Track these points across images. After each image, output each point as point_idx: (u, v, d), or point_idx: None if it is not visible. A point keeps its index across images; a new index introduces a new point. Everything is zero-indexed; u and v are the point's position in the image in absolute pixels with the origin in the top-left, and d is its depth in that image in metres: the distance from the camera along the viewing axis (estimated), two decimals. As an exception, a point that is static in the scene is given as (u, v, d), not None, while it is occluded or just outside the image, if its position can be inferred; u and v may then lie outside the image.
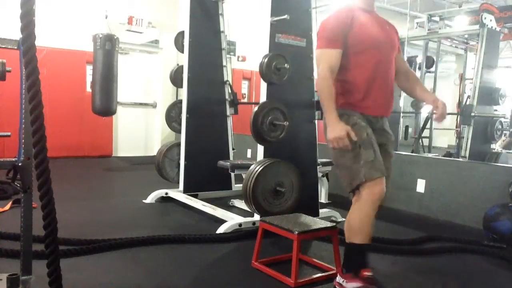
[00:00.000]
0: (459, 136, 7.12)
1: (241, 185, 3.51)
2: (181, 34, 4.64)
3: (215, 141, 4.63)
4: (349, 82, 2.14)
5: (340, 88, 2.16)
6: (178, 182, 4.55)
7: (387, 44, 2.19)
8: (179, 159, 4.57)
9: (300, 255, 2.52)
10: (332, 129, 1.98)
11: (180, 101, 4.60)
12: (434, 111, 2.17)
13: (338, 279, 2.24)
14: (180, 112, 4.56)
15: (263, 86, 3.55)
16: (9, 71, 2.12)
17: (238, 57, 8.62)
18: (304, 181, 3.51)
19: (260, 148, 3.55)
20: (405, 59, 7.36)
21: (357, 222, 2.03)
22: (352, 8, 2.18)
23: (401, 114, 7.46)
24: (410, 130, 8.12)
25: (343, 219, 3.18)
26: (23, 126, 1.75)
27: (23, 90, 1.71)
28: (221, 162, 4.15)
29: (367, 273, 2.06)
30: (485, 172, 3.94)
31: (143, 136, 8.29)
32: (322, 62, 2.07)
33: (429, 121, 7.88)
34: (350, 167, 2.06)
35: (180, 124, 4.57)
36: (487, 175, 3.89)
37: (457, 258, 3.10)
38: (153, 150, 7.76)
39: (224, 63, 4.68)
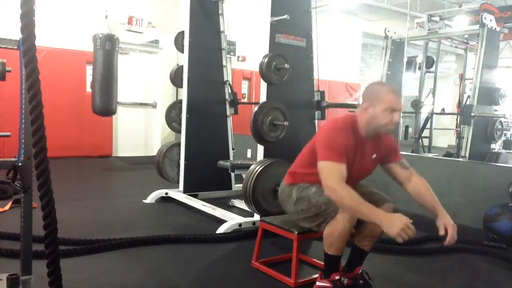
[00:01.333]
0: (459, 136, 7.13)
1: (241, 185, 3.51)
2: (181, 34, 4.64)
3: (215, 141, 4.63)
4: (310, 173, 2.16)
5: (297, 170, 2.28)
6: (178, 182, 4.55)
7: (360, 175, 2.23)
8: (179, 159, 4.57)
9: (300, 255, 2.52)
10: (390, 223, 1.81)
11: (180, 101, 4.60)
12: (443, 234, 2.02)
13: (318, 283, 2.27)
14: (180, 112, 4.56)
15: (263, 86, 3.55)
16: (9, 71, 2.12)
17: (238, 57, 8.62)
18: (304, 181, 3.50)
19: (260, 148, 3.55)
20: (405, 59, 7.38)
21: (332, 238, 2.09)
22: (353, 131, 2.11)
23: (401, 114, 7.45)
24: (410, 130, 8.13)
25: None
26: (23, 126, 1.75)
27: (23, 90, 1.71)
28: (221, 162, 4.15)
29: (336, 276, 2.18)
30: (485, 172, 3.94)
31: (143, 136, 8.29)
32: (334, 176, 1.95)
33: (429, 121, 7.89)
34: (318, 218, 2.15)
35: (180, 124, 4.58)
36: (487, 175, 3.89)
37: (457, 258, 3.10)
38: (153, 150, 7.76)
39: (224, 63, 4.68)
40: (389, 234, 1.81)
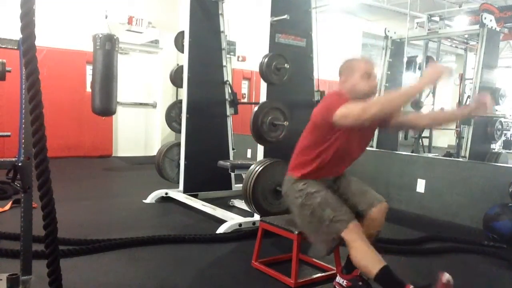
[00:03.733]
0: (459, 136, 7.12)
1: (241, 185, 3.51)
2: (181, 34, 4.63)
3: (215, 141, 4.63)
4: (310, 157, 2.21)
5: (300, 159, 2.27)
6: (178, 182, 4.55)
7: (360, 144, 2.25)
8: (179, 159, 4.57)
9: (300, 255, 2.52)
10: (428, 78, 1.91)
11: (180, 101, 4.60)
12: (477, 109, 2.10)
13: (338, 279, 2.28)
14: (180, 112, 4.56)
15: (263, 86, 3.55)
16: (9, 71, 2.12)
17: (238, 57, 8.62)
18: (304, 181, 3.50)
19: (260, 148, 3.55)
20: (405, 59, 7.38)
21: (363, 260, 2.00)
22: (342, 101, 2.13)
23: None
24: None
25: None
26: (23, 126, 1.76)
27: (23, 90, 1.71)
28: (221, 162, 4.15)
29: (357, 272, 2.20)
30: (485, 172, 3.94)
31: (143, 136, 8.29)
32: (355, 106, 1.98)
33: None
34: (320, 233, 2.14)
35: (180, 124, 4.57)
36: (487, 175, 3.89)
37: (457, 258, 3.10)
38: (153, 150, 7.76)
39: (224, 63, 4.68)
40: (436, 81, 1.89)
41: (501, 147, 7.59)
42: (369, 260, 1.97)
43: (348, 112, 1.98)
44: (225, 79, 4.69)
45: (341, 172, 2.34)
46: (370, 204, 2.18)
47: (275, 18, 3.45)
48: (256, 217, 3.46)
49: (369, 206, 2.17)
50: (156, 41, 8.05)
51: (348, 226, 2.02)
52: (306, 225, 2.23)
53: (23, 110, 1.76)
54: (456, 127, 7.55)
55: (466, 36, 7.87)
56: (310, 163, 2.22)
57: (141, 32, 7.64)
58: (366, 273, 2.02)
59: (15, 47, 1.96)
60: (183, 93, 4.46)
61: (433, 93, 8.07)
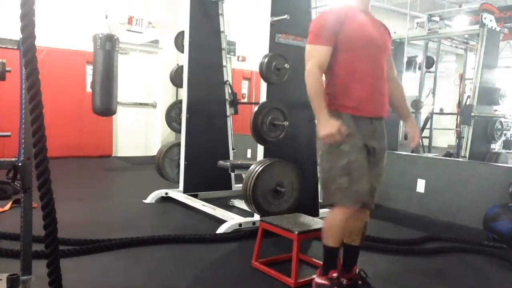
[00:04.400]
0: (459, 136, 7.12)
1: (241, 185, 3.51)
2: (181, 34, 4.63)
3: (215, 141, 4.63)
4: (337, 82, 2.11)
5: (326, 88, 2.13)
6: (178, 182, 4.55)
7: (380, 45, 2.13)
8: (179, 159, 4.57)
9: (300, 255, 2.52)
10: (323, 126, 1.96)
11: (180, 101, 4.60)
12: (407, 136, 2.28)
13: (317, 279, 2.29)
14: (180, 112, 4.56)
15: (263, 86, 3.55)
16: (9, 71, 2.12)
17: (238, 57, 8.62)
18: (304, 181, 3.51)
19: (260, 148, 3.55)
20: (405, 59, 7.38)
21: (331, 228, 2.15)
22: (346, 6, 2.13)
23: None
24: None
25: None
26: (23, 126, 1.75)
27: (23, 90, 1.71)
28: (221, 162, 4.15)
29: (334, 274, 2.20)
30: (485, 172, 3.94)
31: (143, 136, 8.29)
32: (312, 58, 2.04)
33: (429, 121, 7.89)
34: (329, 187, 2.11)
35: (180, 124, 4.57)
36: (487, 175, 3.89)
37: (457, 258, 3.10)
38: (153, 150, 7.76)
39: (224, 63, 4.68)
40: (319, 134, 1.98)
41: (501, 147, 7.58)
42: (334, 233, 2.13)
43: (306, 58, 2.08)
44: (225, 79, 4.69)
45: (377, 102, 2.12)
46: (370, 205, 2.23)
47: (275, 18, 3.45)
48: (256, 217, 3.46)
49: (368, 205, 2.22)
50: (156, 41, 8.05)
51: (348, 206, 2.07)
52: (324, 167, 2.14)
53: (23, 110, 1.75)
54: (456, 127, 7.56)
55: (466, 36, 7.87)
56: (336, 86, 2.10)
57: (141, 32, 7.64)
58: (323, 237, 2.18)
59: (15, 47, 1.95)
60: (183, 93, 4.46)
61: (433, 93, 8.08)
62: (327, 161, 2.11)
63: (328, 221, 2.16)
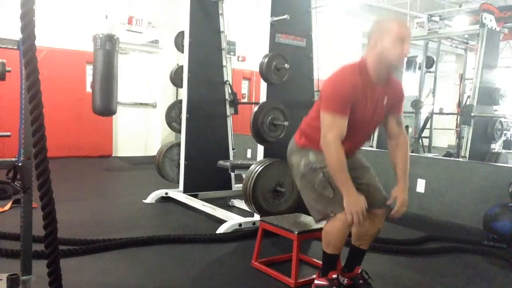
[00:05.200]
0: (459, 136, 7.12)
1: (241, 185, 3.51)
2: (181, 34, 4.64)
3: (215, 141, 4.63)
4: (318, 131, 2.08)
5: (308, 131, 2.19)
6: (178, 182, 4.55)
7: (372, 122, 2.14)
8: (179, 159, 4.57)
9: (300, 255, 2.52)
10: (353, 202, 1.96)
11: (180, 101, 4.60)
12: (392, 203, 2.13)
13: (316, 281, 2.29)
14: (180, 112, 4.56)
15: (263, 86, 3.55)
16: (9, 71, 2.12)
17: (238, 57, 8.61)
18: (304, 181, 3.50)
19: (260, 148, 3.55)
20: (405, 59, 7.36)
21: (330, 236, 2.11)
22: (361, 75, 2.04)
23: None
24: (410, 130, 8.12)
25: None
26: (23, 126, 1.75)
27: (23, 90, 1.71)
28: (221, 162, 4.15)
29: (333, 275, 2.20)
30: (485, 172, 3.94)
31: (143, 136, 8.29)
32: (334, 129, 1.96)
33: (429, 121, 7.89)
34: (316, 205, 2.14)
35: (180, 124, 4.57)
36: (487, 175, 3.89)
37: (457, 258, 3.10)
38: (153, 150, 7.75)
39: (224, 63, 4.68)
40: (346, 210, 1.97)
41: (501, 147, 7.58)
42: (333, 241, 2.09)
43: (324, 127, 2.00)
44: (225, 79, 4.69)
45: (350, 152, 2.16)
46: (375, 204, 2.18)
47: (275, 18, 3.45)
48: (256, 217, 3.46)
49: (373, 205, 2.17)
50: (156, 41, 8.05)
51: (344, 210, 2.03)
52: (305, 194, 2.19)
53: (23, 110, 1.75)
54: (456, 127, 7.56)
55: (466, 36, 7.87)
56: (317, 133, 2.07)
57: (141, 32, 7.63)
58: (323, 242, 2.15)
59: (15, 47, 1.95)
60: (183, 93, 4.45)
61: (433, 93, 8.08)
62: (307, 182, 2.17)
63: (327, 229, 2.12)
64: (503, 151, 7.05)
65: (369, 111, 2.07)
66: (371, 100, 2.05)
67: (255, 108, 3.38)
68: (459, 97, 7.75)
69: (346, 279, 2.32)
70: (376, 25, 2.06)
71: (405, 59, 7.33)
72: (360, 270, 2.31)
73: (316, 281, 2.24)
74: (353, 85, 1.99)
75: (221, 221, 3.53)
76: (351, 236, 2.27)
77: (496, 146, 6.91)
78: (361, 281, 2.29)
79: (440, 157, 6.45)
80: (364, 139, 2.29)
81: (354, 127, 2.05)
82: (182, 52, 4.56)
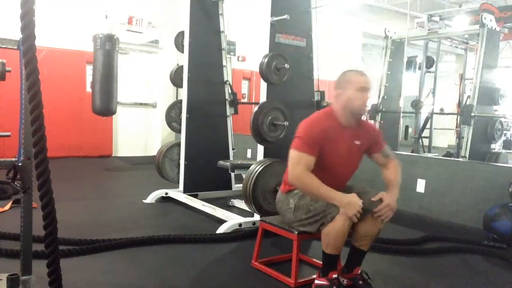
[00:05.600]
0: (459, 136, 7.12)
1: (241, 185, 3.51)
2: (181, 34, 4.64)
3: (215, 141, 4.63)
4: None
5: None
6: (178, 182, 4.55)
7: (348, 163, 2.33)
8: (179, 159, 4.57)
9: (300, 255, 2.52)
10: (347, 206, 2.05)
11: (180, 101, 4.60)
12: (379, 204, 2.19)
13: (316, 281, 2.30)
14: (180, 112, 4.56)
15: (263, 86, 3.55)
16: (9, 71, 2.12)
17: (238, 57, 8.61)
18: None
19: (260, 148, 3.55)
20: (405, 59, 7.38)
21: (330, 237, 2.14)
22: (331, 122, 2.26)
23: (401, 114, 7.46)
24: (410, 130, 8.12)
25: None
26: (23, 126, 1.75)
27: (23, 90, 1.71)
28: (221, 162, 4.15)
29: (334, 275, 2.23)
30: (485, 172, 3.94)
31: (143, 136, 8.29)
32: (300, 164, 2.15)
33: (429, 121, 7.89)
34: (318, 222, 2.19)
35: (180, 124, 4.57)
36: (487, 175, 3.89)
37: (457, 258, 3.10)
38: (153, 150, 7.75)
39: (224, 63, 4.68)
40: (345, 212, 2.05)
41: (501, 147, 7.58)
42: (334, 240, 2.12)
43: (291, 162, 2.18)
44: (225, 79, 4.69)
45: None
46: (374, 203, 2.20)
47: (275, 18, 3.45)
48: (256, 217, 3.46)
49: (366, 205, 2.18)
50: (156, 41, 8.05)
51: (341, 210, 2.09)
52: (305, 225, 2.26)
53: (23, 110, 1.75)
54: (456, 127, 7.55)
55: (466, 36, 7.87)
56: None
57: (141, 32, 7.63)
58: (322, 243, 2.18)
59: (15, 47, 1.95)
60: (183, 93, 4.46)
61: (433, 93, 8.08)
62: (301, 210, 2.25)
63: (327, 230, 2.14)
64: (503, 151, 7.05)
65: (343, 152, 2.26)
66: (342, 141, 2.25)
67: (255, 108, 3.38)
68: (459, 97, 7.74)
69: (346, 280, 2.32)
70: (341, 76, 2.30)
71: (405, 59, 7.35)
72: (359, 271, 2.32)
73: (316, 281, 2.25)
74: (322, 129, 2.21)
75: (221, 221, 3.53)
76: (351, 236, 2.28)
77: (496, 146, 6.91)
78: (360, 282, 2.29)
79: (440, 157, 6.45)
80: (343, 182, 2.37)
81: (331, 169, 2.25)
82: (182, 52, 4.56)
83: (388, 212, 2.17)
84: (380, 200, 2.17)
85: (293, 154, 2.19)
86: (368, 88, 2.23)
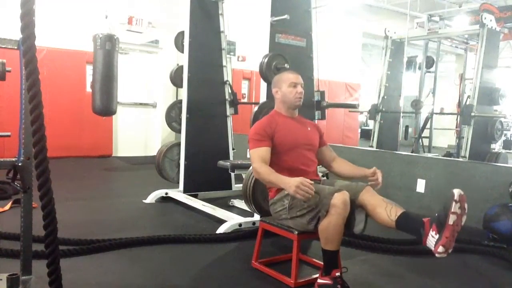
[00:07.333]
0: (459, 136, 7.12)
1: (241, 185, 3.51)
2: (181, 34, 4.63)
3: (215, 141, 4.63)
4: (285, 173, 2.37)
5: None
6: (178, 182, 4.55)
7: (305, 143, 2.55)
8: (179, 159, 4.57)
9: (300, 255, 2.52)
10: (288, 185, 2.15)
11: (180, 101, 4.60)
12: (372, 179, 2.39)
13: (319, 280, 2.29)
14: (180, 112, 4.56)
15: (263, 86, 3.55)
16: (9, 71, 2.12)
17: (238, 57, 8.61)
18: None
19: (260, 148, 3.54)
20: (405, 59, 7.39)
21: (327, 232, 2.17)
22: (277, 114, 2.60)
23: (401, 114, 7.46)
24: (410, 130, 8.13)
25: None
26: (23, 126, 1.75)
27: (23, 90, 1.70)
28: (221, 162, 4.14)
29: (337, 273, 2.24)
30: (485, 172, 3.94)
31: (143, 136, 8.29)
32: (256, 160, 2.38)
33: (429, 121, 7.89)
34: (313, 217, 2.23)
35: (180, 124, 4.57)
36: (487, 175, 3.89)
37: (457, 258, 3.10)
38: (153, 150, 7.76)
39: (224, 63, 4.68)
40: (291, 194, 2.16)
41: (501, 147, 7.58)
42: (332, 234, 2.17)
43: (251, 161, 2.44)
44: (225, 79, 4.69)
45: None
46: (358, 191, 2.27)
47: (275, 18, 3.46)
48: (256, 217, 3.46)
49: (357, 192, 2.27)
50: (156, 41, 8.05)
51: (334, 195, 2.13)
52: (302, 224, 2.29)
53: (23, 110, 1.75)
54: (456, 127, 7.56)
55: (466, 36, 7.87)
56: (274, 187, 2.43)
57: (141, 32, 7.63)
58: (321, 240, 2.22)
59: (15, 47, 1.95)
60: (183, 93, 4.45)
61: (433, 93, 8.08)
62: (295, 208, 2.31)
63: (323, 226, 2.17)
64: (503, 151, 7.05)
65: (297, 132, 2.54)
66: (293, 125, 2.56)
67: (255, 108, 3.38)
68: (459, 97, 7.75)
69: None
70: (276, 77, 2.68)
71: (405, 59, 7.35)
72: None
73: (319, 280, 2.26)
74: (267, 123, 2.50)
75: (221, 221, 3.53)
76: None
77: (496, 146, 6.91)
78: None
79: (440, 157, 6.44)
80: (310, 163, 2.54)
81: (294, 148, 2.48)
82: (182, 52, 4.56)
83: (380, 176, 2.38)
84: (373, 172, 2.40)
85: (251, 153, 2.44)
86: (298, 83, 2.55)
